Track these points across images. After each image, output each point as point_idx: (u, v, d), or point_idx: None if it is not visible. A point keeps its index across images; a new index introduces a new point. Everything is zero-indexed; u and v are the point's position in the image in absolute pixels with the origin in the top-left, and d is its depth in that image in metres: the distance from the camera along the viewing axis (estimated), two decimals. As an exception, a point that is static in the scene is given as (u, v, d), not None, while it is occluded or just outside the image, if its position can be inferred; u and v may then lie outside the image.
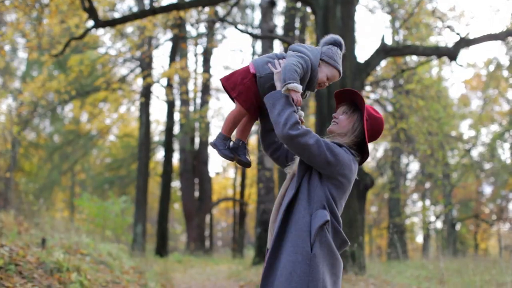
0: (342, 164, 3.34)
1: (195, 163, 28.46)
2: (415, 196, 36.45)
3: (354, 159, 3.47)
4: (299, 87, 3.29)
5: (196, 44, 28.92)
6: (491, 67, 26.18)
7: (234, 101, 3.55)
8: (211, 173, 35.19)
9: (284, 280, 3.23)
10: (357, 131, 3.56)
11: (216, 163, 78.85)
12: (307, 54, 3.47)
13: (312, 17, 17.63)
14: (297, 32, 20.13)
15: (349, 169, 3.40)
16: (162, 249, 23.57)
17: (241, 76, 3.50)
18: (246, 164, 3.65)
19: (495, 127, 28.69)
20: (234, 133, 3.69)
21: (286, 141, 3.27)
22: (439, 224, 35.58)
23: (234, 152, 3.62)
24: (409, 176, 34.44)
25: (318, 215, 3.30)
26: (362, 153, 3.61)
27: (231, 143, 3.64)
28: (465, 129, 36.07)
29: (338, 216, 3.43)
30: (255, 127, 17.91)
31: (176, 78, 23.09)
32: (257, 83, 3.48)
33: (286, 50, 4.05)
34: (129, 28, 22.65)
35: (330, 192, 3.38)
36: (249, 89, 3.47)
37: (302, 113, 3.49)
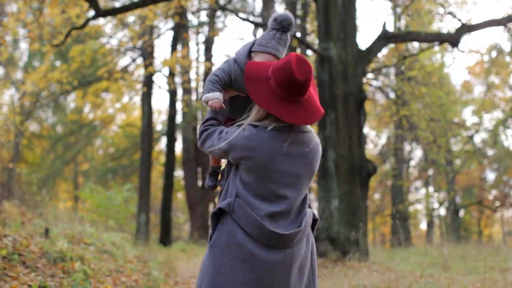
0: (235, 148, 3.10)
1: (198, 152, 28.46)
2: (418, 183, 36.43)
3: (259, 133, 3.09)
4: (210, 95, 3.28)
5: (197, 33, 28.83)
6: (493, 53, 26.09)
7: None
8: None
9: (199, 276, 3.20)
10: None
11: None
12: (229, 59, 3.45)
13: (313, 4, 17.58)
14: (298, 20, 20.07)
15: (246, 149, 3.07)
16: (165, 238, 23.60)
17: None
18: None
19: (498, 113, 28.61)
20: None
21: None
22: (442, 211, 35.62)
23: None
24: (412, 163, 34.43)
25: (219, 204, 3.20)
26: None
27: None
28: (468, 115, 36.06)
29: (254, 204, 3.09)
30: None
31: (178, 67, 23.05)
32: None
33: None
34: (130, 18, 22.59)
35: (242, 179, 3.14)
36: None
37: (218, 94, 3.33)
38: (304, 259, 3.21)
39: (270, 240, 3.05)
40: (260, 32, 25.85)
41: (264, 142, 3.08)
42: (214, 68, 3.69)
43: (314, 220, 3.34)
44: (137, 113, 35.31)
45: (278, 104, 3.07)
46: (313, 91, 3.27)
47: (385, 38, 13.41)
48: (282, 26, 3.28)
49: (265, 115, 3.13)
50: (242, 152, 3.08)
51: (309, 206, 3.29)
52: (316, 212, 3.46)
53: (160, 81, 42.10)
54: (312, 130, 3.30)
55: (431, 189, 35.36)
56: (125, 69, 25.83)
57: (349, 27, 12.97)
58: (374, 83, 21.95)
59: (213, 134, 3.23)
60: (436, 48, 18.72)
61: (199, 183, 28.56)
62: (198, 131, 3.34)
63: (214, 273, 3.06)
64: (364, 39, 49.78)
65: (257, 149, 3.06)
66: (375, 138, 34.21)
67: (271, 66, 3.14)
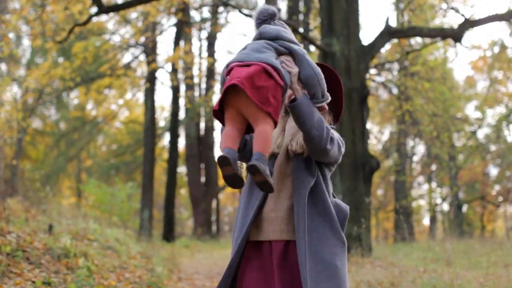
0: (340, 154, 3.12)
1: (201, 148, 28.47)
2: (421, 178, 36.43)
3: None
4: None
5: (200, 29, 28.82)
6: (496, 49, 26.06)
7: (258, 117, 2.84)
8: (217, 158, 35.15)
9: (332, 275, 2.88)
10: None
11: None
12: (298, 44, 3.08)
13: (316, 0, 17.56)
14: (301, 16, 20.06)
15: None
16: (169, 234, 23.65)
17: (271, 91, 2.81)
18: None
19: (501, 109, 28.58)
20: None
21: (320, 154, 2.97)
22: (445, 206, 35.65)
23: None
24: (415, 158, 34.41)
25: (340, 205, 3.09)
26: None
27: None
28: (471, 110, 35.99)
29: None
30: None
31: (180, 63, 23.06)
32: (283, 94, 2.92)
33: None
34: (133, 14, 22.59)
35: (328, 176, 3.15)
36: (279, 104, 2.87)
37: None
38: None
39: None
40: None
41: None
42: (218, 60, 3.13)
43: None
44: (140, 109, 35.34)
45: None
46: None
47: (388, 33, 13.40)
48: (264, 20, 3.11)
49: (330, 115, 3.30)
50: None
51: None
52: None
53: (163, 77, 42.10)
54: None
55: (434, 184, 35.36)
56: (128, 66, 25.85)
57: (352, 22, 12.96)
58: (377, 78, 21.92)
59: (334, 137, 3.02)
60: (439, 43, 18.71)
61: (202, 179, 28.59)
62: (326, 134, 2.93)
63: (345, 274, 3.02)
64: (367, 34, 49.75)
65: None
66: (378, 134, 34.19)
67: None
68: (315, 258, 2.89)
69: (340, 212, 3.06)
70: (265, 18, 3.09)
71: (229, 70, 2.87)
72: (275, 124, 2.84)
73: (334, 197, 3.11)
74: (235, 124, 2.88)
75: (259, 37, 3.02)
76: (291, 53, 2.97)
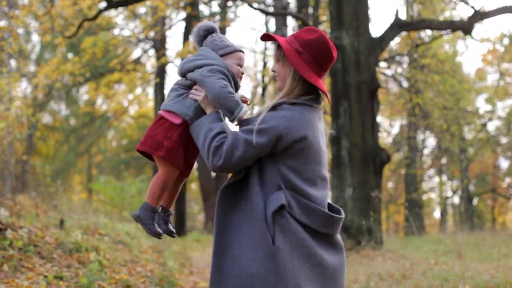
0: (287, 133, 2.79)
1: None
2: (431, 171, 36.32)
3: (302, 110, 2.89)
4: (245, 107, 2.94)
5: (209, 23, 28.74)
6: (506, 41, 25.89)
7: (158, 164, 3.06)
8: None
9: (245, 282, 2.74)
10: (298, 73, 2.94)
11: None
12: (213, 62, 3.04)
13: (325, -7, 17.51)
14: (310, 9, 19.99)
15: (300, 128, 2.83)
16: (180, 229, 23.68)
17: (163, 133, 2.98)
18: (171, 235, 3.24)
19: (511, 101, 28.45)
20: None
21: (219, 172, 2.92)
22: (456, 199, 35.53)
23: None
24: (426, 151, 34.30)
25: (271, 200, 2.80)
26: (317, 92, 3.00)
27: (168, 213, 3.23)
28: (481, 103, 35.83)
29: (306, 191, 2.87)
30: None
31: (190, 58, 23.02)
32: (190, 127, 3.00)
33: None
34: (142, 9, 22.61)
35: (287, 165, 2.84)
36: (178, 142, 2.98)
37: (245, 107, 2.96)
38: None
39: (330, 227, 2.91)
40: (272, 21, 25.79)
41: (310, 119, 2.91)
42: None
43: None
44: (150, 104, 35.37)
45: (317, 79, 2.96)
46: None
47: (397, 26, 13.35)
48: (213, 29, 3.21)
49: (303, 91, 2.96)
50: (297, 133, 2.82)
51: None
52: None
53: (172, 71, 42.07)
54: None
55: (444, 177, 35.26)
56: (137, 60, 25.87)
57: (362, 15, 12.92)
58: (387, 71, 21.84)
59: (238, 141, 2.80)
60: (449, 36, 18.60)
61: (213, 173, 28.61)
62: (207, 151, 2.85)
63: (290, 279, 2.72)
64: (377, 27, 49.66)
65: (308, 127, 2.86)
66: (388, 127, 34.10)
67: (292, 41, 2.96)
68: (221, 263, 2.85)
69: (268, 208, 2.79)
70: (204, 34, 3.20)
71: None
72: (180, 167, 3.04)
73: (280, 189, 2.82)
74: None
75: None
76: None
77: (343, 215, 3.00)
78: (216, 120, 2.93)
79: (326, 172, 3.02)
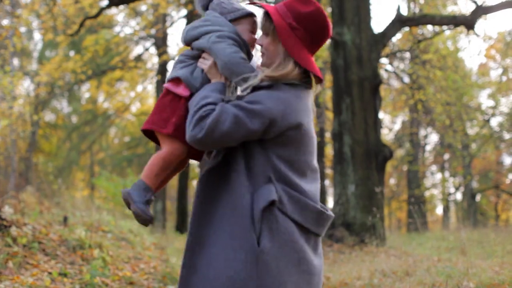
0: (282, 117, 2.46)
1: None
2: (434, 167, 36.31)
3: (298, 93, 2.57)
4: (261, 74, 2.61)
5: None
6: (508, 37, 25.85)
7: (163, 143, 2.79)
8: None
9: (220, 287, 2.38)
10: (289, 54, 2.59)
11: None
12: (221, 28, 2.73)
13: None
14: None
15: (291, 116, 2.49)
16: (182, 226, 23.68)
17: (170, 108, 2.69)
18: (149, 222, 2.72)
19: (514, 97, 28.36)
20: None
21: (197, 145, 2.51)
22: (458, 196, 35.48)
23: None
24: (428, 147, 34.29)
25: (260, 194, 2.45)
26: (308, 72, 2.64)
27: (152, 196, 2.74)
28: (484, 99, 35.76)
29: (298, 184, 2.53)
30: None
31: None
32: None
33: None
34: (143, 7, 22.59)
35: (278, 154, 2.50)
36: (183, 115, 2.65)
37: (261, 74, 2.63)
38: None
39: (321, 225, 2.59)
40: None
41: (305, 102, 2.60)
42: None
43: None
44: (151, 101, 35.39)
45: (309, 57, 2.63)
46: None
47: (399, 22, 13.34)
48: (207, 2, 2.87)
49: (292, 69, 2.57)
50: (292, 119, 2.49)
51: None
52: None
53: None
54: None
55: (447, 173, 35.23)
56: (138, 58, 25.88)
57: (363, 11, 12.91)
58: (389, 67, 21.83)
59: (226, 115, 2.44)
60: (451, 31, 18.58)
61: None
62: (190, 119, 2.51)
63: (275, 286, 2.38)
64: (379, 23, 49.68)
65: (304, 112, 2.56)
66: (390, 123, 34.08)
67: (284, 12, 2.61)
68: (195, 265, 2.52)
69: (256, 204, 2.46)
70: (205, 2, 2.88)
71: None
72: (186, 146, 2.67)
73: (270, 181, 2.48)
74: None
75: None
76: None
77: (332, 214, 2.67)
78: (216, 90, 2.59)
79: (316, 163, 2.69)
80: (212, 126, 2.42)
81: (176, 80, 2.72)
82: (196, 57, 2.76)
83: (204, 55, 2.71)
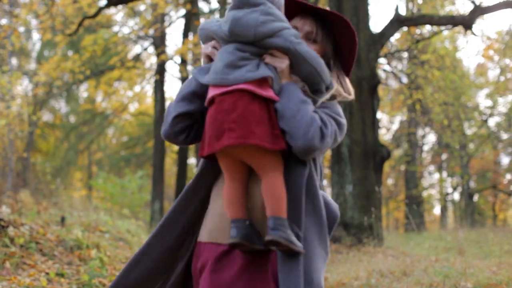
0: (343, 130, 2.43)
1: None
2: (431, 167, 36.32)
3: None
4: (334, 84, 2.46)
5: (209, 21, 28.73)
6: (506, 37, 25.88)
7: (267, 163, 2.25)
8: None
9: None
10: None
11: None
12: (288, 25, 2.38)
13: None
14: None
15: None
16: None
17: (268, 117, 2.23)
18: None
19: (512, 97, 28.38)
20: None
21: (307, 154, 2.26)
22: (456, 196, 35.51)
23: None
24: (426, 147, 34.31)
25: (330, 204, 2.45)
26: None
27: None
28: (482, 99, 35.79)
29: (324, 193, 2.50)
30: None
31: (189, 55, 23.05)
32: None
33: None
34: (141, 6, 22.59)
35: (320, 161, 2.45)
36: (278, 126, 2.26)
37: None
38: None
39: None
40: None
41: None
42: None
43: None
44: (149, 101, 35.37)
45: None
46: None
47: (397, 21, 13.35)
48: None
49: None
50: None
51: None
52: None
53: (172, 69, 42.06)
54: None
55: (445, 173, 35.24)
56: (137, 58, 25.88)
57: (362, 11, 12.91)
58: (387, 67, 21.84)
59: (332, 127, 2.33)
60: (449, 32, 18.59)
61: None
62: (305, 126, 2.20)
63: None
64: (377, 23, 49.68)
65: None
66: (388, 123, 34.10)
67: None
68: (298, 266, 2.23)
69: (329, 214, 2.43)
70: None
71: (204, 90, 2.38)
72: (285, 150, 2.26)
73: (321, 189, 2.42)
74: (236, 175, 2.32)
75: (229, 35, 2.34)
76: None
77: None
78: (301, 91, 2.34)
79: None
80: (330, 134, 2.29)
81: (261, 81, 2.28)
82: (257, 54, 2.32)
83: (276, 53, 2.31)
